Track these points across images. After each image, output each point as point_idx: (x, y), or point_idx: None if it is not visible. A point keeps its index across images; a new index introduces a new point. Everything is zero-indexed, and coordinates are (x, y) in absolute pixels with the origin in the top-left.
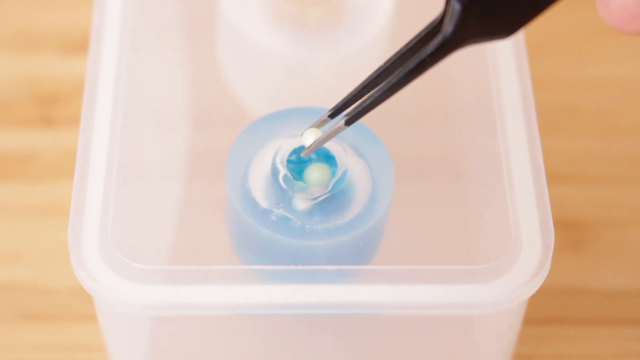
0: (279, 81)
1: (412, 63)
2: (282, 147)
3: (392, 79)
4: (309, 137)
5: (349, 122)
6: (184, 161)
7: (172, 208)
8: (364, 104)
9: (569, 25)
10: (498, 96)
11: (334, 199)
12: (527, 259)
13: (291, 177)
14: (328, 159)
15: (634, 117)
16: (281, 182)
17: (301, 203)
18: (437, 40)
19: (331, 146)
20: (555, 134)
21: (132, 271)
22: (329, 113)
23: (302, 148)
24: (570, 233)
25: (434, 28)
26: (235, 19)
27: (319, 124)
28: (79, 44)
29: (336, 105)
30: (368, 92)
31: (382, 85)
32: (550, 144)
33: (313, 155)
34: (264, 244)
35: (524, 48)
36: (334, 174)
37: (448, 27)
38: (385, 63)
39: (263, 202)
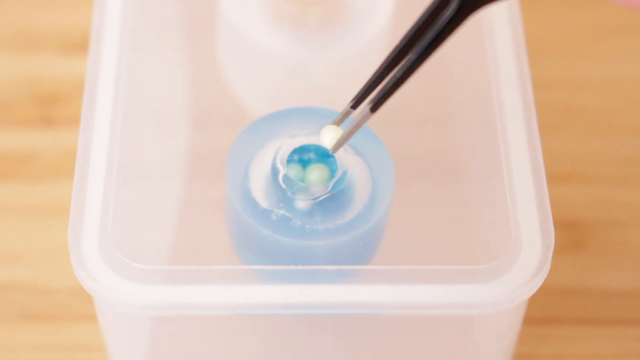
0: (279, 81)
1: (429, 35)
2: (282, 147)
3: (411, 55)
4: (327, 136)
5: (374, 108)
6: (184, 161)
7: (172, 208)
8: (387, 86)
9: (569, 25)
10: (498, 96)
11: (334, 199)
12: (527, 259)
13: (291, 177)
14: (328, 158)
15: (634, 117)
16: (281, 182)
17: (301, 203)
18: (452, 6)
19: None
20: (555, 134)
21: (132, 271)
22: (351, 104)
23: (302, 148)
24: (570, 233)
25: (438, 6)
26: (235, 19)
27: (339, 120)
28: (79, 44)
29: (356, 96)
30: (387, 75)
31: (403, 64)
32: (550, 144)
33: (312, 156)
34: (264, 244)
35: (524, 48)
36: (333, 174)
37: None
38: (400, 42)
39: (263, 202)
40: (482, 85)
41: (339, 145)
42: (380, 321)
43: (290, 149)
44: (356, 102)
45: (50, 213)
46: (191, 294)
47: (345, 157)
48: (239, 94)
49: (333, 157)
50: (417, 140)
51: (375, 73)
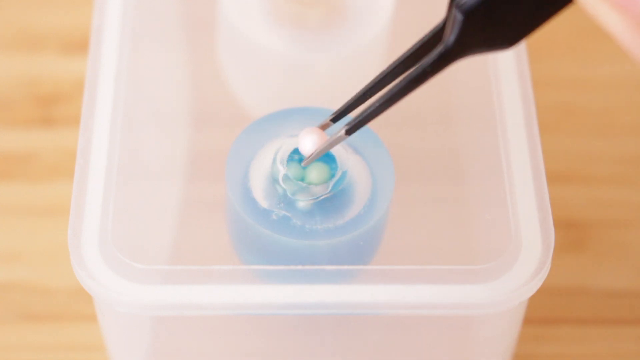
0: (279, 81)
1: (413, 72)
2: (282, 147)
3: (393, 88)
4: (308, 139)
5: (349, 132)
6: (184, 161)
7: (172, 208)
8: (364, 114)
9: (569, 25)
10: (498, 96)
11: (334, 199)
12: (527, 259)
13: (291, 177)
14: (328, 158)
15: (634, 117)
16: (281, 182)
17: (301, 203)
18: (438, 49)
19: None
20: (555, 134)
21: (132, 271)
22: (331, 117)
23: None
24: (571, 233)
25: (436, 34)
26: (235, 19)
27: (322, 128)
28: (79, 44)
29: (339, 110)
30: (370, 96)
31: (384, 94)
32: (550, 143)
33: None
34: (264, 244)
35: (524, 48)
36: (333, 174)
37: (450, 37)
38: (388, 68)
39: (263, 202)
40: (482, 85)
41: (310, 159)
42: (380, 321)
43: (290, 149)
44: (336, 117)
45: (50, 213)
46: (191, 294)
47: (345, 157)
48: (239, 94)
49: (333, 157)
50: (417, 140)
51: (359, 93)
